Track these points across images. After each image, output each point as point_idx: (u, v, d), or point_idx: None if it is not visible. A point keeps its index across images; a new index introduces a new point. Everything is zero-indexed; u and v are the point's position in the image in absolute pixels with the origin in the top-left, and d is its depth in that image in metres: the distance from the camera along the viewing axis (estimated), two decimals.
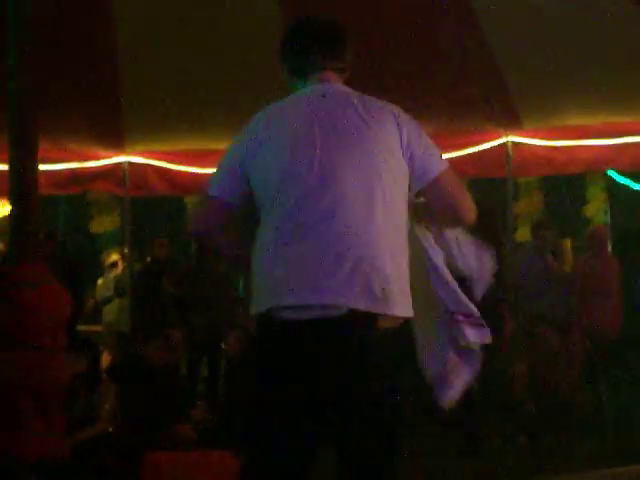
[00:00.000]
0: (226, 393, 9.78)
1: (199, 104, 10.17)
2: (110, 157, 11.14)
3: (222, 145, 10.86)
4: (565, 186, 13.72)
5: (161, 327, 9.40)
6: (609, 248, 10.87)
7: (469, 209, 3.63)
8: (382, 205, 3.42)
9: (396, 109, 3.61)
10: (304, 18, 3.88)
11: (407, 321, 3.48)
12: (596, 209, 13.78)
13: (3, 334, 4.34)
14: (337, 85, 3.71)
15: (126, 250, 12.35)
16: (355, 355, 3.30)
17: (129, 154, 11.03)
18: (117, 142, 10.93)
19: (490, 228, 9.94)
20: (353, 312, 3.27)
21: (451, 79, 9.66)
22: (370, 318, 3.31)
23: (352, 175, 3.42)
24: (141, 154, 11.00)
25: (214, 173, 3.72)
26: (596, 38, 9.05)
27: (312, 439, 3.40)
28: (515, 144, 10.48)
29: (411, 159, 3.53)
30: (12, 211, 4.53)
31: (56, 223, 15.19)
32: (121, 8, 9.43)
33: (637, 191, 13.18)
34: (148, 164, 11.09)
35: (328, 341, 3.28)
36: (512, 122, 10.35)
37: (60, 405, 4.54)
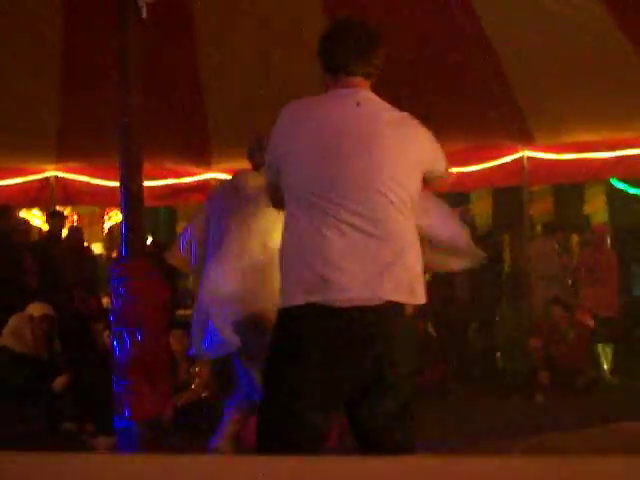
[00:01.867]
0: None
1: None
2: (201, 174, 11.26)
3: None
4: (570, 191, 13.61)
5: None
6: (608, 243, 10.80)
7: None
8: (405, 207, 3.28)
9: (415, 120, 3.45)
10: (342, 20, 3.60)
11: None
12: (596, 209, 13.68)
13: (120, 316, 4.45)
14: (368, 93, 3.43)
15: None
16: (390, 333, 3.25)
17: (216, 171, 11.11)
18: (206, 161, 11.04)
19: (492, 251, 10.03)
20: (389, 302, 3.20)
21: (473, 104, 9.62)
22: (400, 306, 3.26)
23: (380, 181, 3.24)
24: (226, 171, 11.09)
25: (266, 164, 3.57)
26: (597, 65, 8.99)
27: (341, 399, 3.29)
28: (530, 158, 10.47)
29: (425, 164, 3.41)
30: (123, 219, 4.63)
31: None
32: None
33: (632, 194, 13.07)
34: None
35: (371, 323, 3.19)
36: (527, 139, 10.32)
37: (165, 375, 4.62)
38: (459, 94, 9.55)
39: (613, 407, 7.64)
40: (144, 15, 4.55)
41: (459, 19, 8.86)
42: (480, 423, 7.26)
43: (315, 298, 3.16)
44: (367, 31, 3.51)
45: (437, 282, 9.85)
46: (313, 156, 3.28)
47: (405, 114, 3.44)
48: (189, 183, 11.31)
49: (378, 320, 3.20)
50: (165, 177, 11.02)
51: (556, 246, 10.40)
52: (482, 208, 14.91)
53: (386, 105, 3.43)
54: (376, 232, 3.21)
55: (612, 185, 12.77)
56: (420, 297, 3.31)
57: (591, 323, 9.55)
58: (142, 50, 4.64)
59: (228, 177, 10.82)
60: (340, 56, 3.46)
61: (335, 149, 3.26)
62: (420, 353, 9.17)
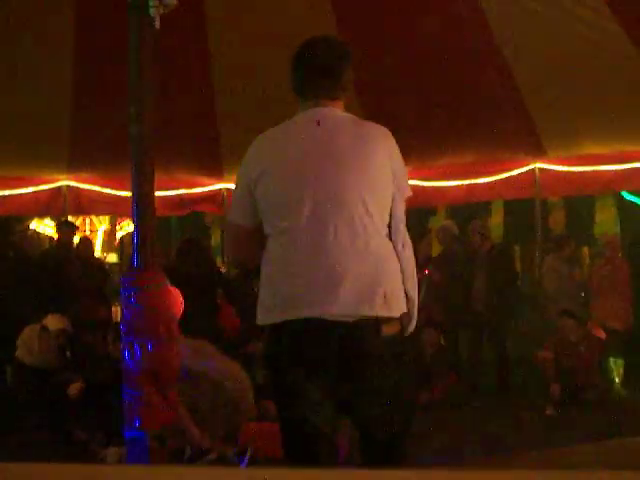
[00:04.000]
0: None
1: None
2: (212, 184, 11.28)
3: None
4: (581, 203, 13.61)
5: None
6: (620, 254, 10.76)
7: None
8: (374, 220, 3.29)
9: (385, 130, 3.43)
10: (310, 41, 3.53)
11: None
12: (607, 222, 13.65)
13: (131, 326, 4.43)
14: (330, 110, 3.42)
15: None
16: (365, 347, 3.25)
17: (227, 182, 11.13)
18: (217, 172, 11.06)
19: (507, 264, 10.02)
20: (362, 318, 3.22)
21: (490, 119, 9.64)
22: (375, 321, 3.25)
23: (349, 195, 3.25)
24: None
25: (232, 200, 3.60)
26: (608, 80, 9.01)
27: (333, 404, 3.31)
28: (541, 169, 10.45)
29: (394, 176, 3.38)
30: (135, 228, 4.62)
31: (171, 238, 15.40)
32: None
33: None
34: None
35: (343, 337, 3.20)
36: (538, 152, 10.32)
37: (173, 384, 4.60)
38: (473, 107, 9.59)
39: (624, 421, 7.60)
40: (157, 26, 4.55)
41: (473, 34, 8.89)
42: (492, 436, 7.24)
43: (289, 315, 3.23)
44: (332, 53, 3.49)
45: (452, 292, 9.84)
46: (278, 181, 3.32)
47: (369, 126, 3.43)
48: (200, 193, 11.33)
49: (351, 334, 3.21)
50: (177, 187, 11.03)
51: (566, 258, 10.38)
52: (495, 220, 14.94)
53: (349, 120, 3.44)
54: (345, 249, 3.22)
55: (623, 198, 12.76)
56: (396, 310, 3.32)
57: (602, 336, 9.50)
58: (154, 59, 4.63)
59: None
60: (301, 82, 3.49)
61: (298, 171, 3.29)
62: (431, 365, 9.16)
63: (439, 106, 9.63)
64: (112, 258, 16.57)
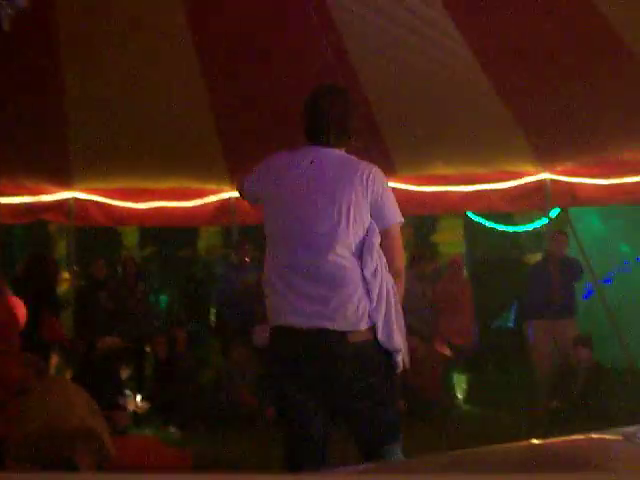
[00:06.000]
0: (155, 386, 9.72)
1: (131, 151, 10.11)
2: (59, 193, 11.02)
3: (154, 184, 10.89)
4: (425, 221, 13.81)
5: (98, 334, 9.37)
6: (464, 273, 11.07)
7: (402, 260, 4.06)
8: (344, 247, 3.80)
9: (370, 167, 3.93)
10: (321, 91, 4.06)
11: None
12: (452, 241, 13.94)
13: None
14: (326, 151, 3.95)
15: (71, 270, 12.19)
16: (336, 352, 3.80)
17: (75, 190, 10.91)
18: (65, 180, 10.81)
19: None
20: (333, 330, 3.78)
21: None
22: (343, 333, 3.79)
23: (328, 224, 3.79)
24: (84, 191, 10.89)
25: (248, 178, 4.11)
26: (462, 103, 9.27)
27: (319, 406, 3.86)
28: (392, 189, 10.57)
29: (374, 207, 3.89)
30: None
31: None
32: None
33: (489, 227, 13.46)
34: (90, 199, 10.97)
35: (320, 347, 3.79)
36: (389, 171, 10.47)
37: (12, 396, 4.48)
38: None
39: (465, 436, 7.80)
40: (6, 27, 4.44)
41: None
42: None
43: (279, 322, 3.87)
44: (343, 107, 4.01)
45: None
46: (273, 206, 3.94)
47: (357, 164, 3.94)
48: (46, 202, 11.04)
49: (318, 343, 3.78)
50: (21, 194, 10.72)
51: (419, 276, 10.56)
52: None
53: (339, 159, 3.96)
54: (318, 274, 3.78)
55: (470, 218, 13.11)
56: (361, 325, 3.82)
57: (448, 353, 9.74)
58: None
59: (91, 197, 10.81)
60: (313, 132, 3.99)
61: (288, 203, 3.88)
62: None
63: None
64: None
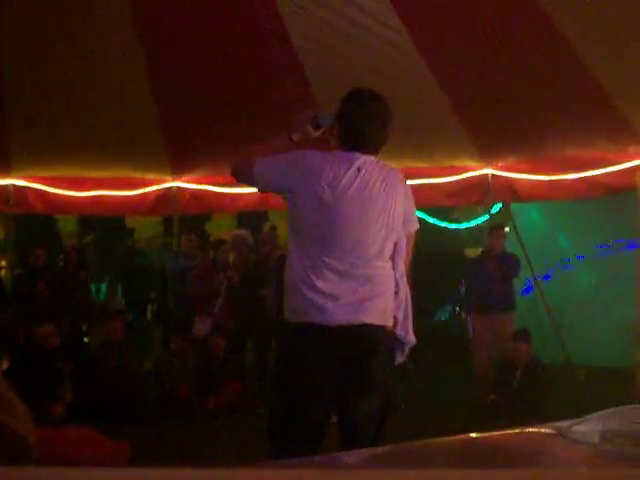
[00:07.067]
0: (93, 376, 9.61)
1: (72, 139, 10.03)
2: None
3: (92, 173, 10.79)
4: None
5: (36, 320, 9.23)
6: None
7: (410, 262, 4.27)
8: (384, 252, 3.98)
9: (402, 174, 4.17)
10: (365, 99, 4.07)
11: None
12: None
13: None
14: (369, 159, 3.99)
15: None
16: (367, 347, 3.96)
17: (14, 178, 10.76)
18: (3, 167, 10.65)
19: None
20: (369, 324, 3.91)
21: None
22: (379, 327, 3.96)
23: (376, 234, 3.93)
24: (23, 178, 10.76)
25: (270, 165, 4.00)
26: (395, 100, 9.28)
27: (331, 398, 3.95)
28: None
29: (404, 213, 4.08)
30: None
31: None
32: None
33: (431, 223, 13.52)
34: (29, 187, 10.84)
35: (352, 338, 3.91)
36: None
37: None
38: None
39: (401, 429, 7.86)
40: None
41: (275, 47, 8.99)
42: None
43: (308, 318, 3.88)
44: (387, 115, 4.06)
45: (244, 300, 9.88)
46: (309, 204, 3.91)
47: (393, 172, 4.09)
48: None
49: (357, 336, 3.90)
50: None
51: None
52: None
53: (380, 168, 4.02)
54: (359, 276, 3.90)
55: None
56: (390, 320, 4.03)
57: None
58: None
59: (30, 185, 10.69)
60: (356, 136, 4.00)
61: (332, 207, 3.88)
62: (218, 372, 9.13)
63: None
64: None
